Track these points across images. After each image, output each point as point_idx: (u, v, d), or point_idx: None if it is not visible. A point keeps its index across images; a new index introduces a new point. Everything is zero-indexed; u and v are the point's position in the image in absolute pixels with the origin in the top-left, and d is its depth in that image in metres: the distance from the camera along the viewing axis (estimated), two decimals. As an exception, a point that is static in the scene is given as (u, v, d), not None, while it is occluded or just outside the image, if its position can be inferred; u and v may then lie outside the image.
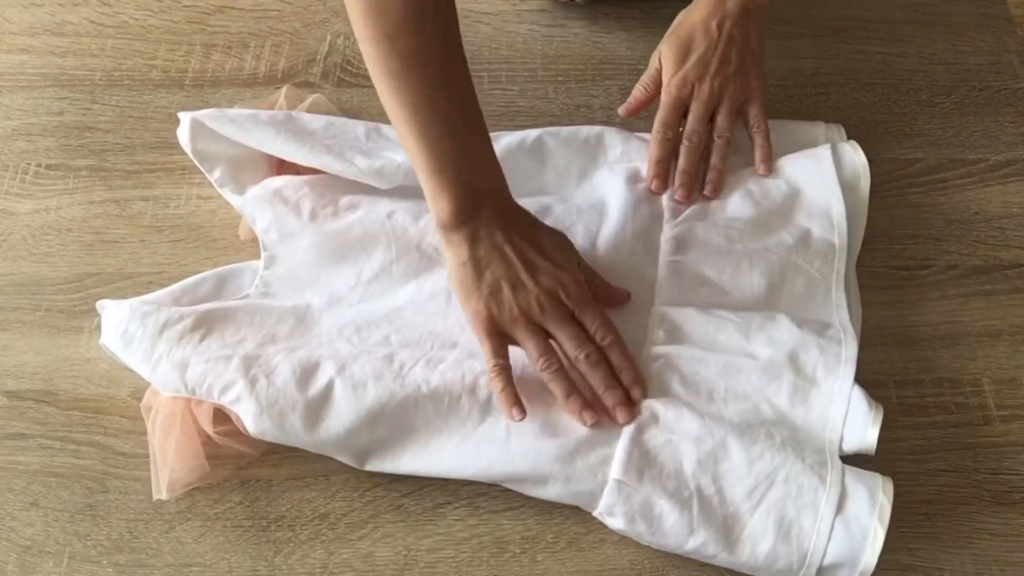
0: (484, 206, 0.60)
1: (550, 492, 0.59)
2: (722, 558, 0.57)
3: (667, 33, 0.74)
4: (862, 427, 0.59)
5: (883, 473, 0.58)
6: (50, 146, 0.76)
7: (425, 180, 0.60)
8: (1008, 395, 0.66)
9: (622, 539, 0.60)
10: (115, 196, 0.74)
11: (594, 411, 0.59)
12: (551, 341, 0.61)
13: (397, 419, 0.60)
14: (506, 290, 0.60)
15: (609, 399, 0.60)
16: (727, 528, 0.57)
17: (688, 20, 0.73)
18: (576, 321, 0.62)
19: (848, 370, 0.61)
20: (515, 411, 0.59)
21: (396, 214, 0.68)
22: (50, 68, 0.80)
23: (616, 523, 0.58)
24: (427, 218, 0.67)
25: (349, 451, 0.60)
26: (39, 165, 0.75)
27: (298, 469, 0.63)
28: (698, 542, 0.56)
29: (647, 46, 0.81)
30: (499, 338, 0.61)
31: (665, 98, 0.72)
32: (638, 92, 0.74)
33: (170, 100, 0.78)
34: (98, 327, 0.64)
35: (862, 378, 0.65)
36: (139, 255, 0.71)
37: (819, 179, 0.70)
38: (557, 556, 0.60)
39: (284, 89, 0.74)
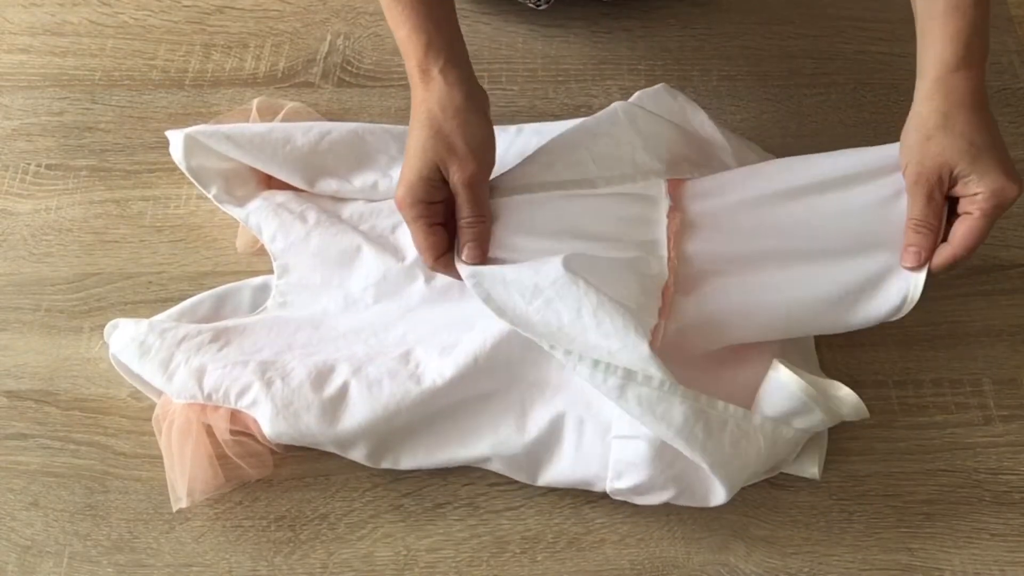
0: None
1: (564, 466, 0.60)
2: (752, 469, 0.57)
3: None
4: None
5: (883, 473, 0.58)
6: (50, 146, 0.76)
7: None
8: (1008, 395, 0.66)
9: (622, 539, 0.60)
10: (115, 196, 0.74)
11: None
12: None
13: (414, 415, 0.60)
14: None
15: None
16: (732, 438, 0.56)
17: None
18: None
19: None
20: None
21: (399, 228, 0.69)
22: (50, 68, 0.80)
23: (631, 478, 0.57)
24: None
25: (365, 447, 0.60)
26: (39, 165, 0.75)
27: (298, 469, 0.63)
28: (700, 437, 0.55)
29: (647, 46, 0.82)
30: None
31: None
32: None
33: (170, 100, 0.78)
34: (99, 328, 0.64)
35: (862, 378, 0.66)
36: (139, 255, 0.71)
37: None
38: (557, 556, 0.60)
39: (255, 102, 0.74)
